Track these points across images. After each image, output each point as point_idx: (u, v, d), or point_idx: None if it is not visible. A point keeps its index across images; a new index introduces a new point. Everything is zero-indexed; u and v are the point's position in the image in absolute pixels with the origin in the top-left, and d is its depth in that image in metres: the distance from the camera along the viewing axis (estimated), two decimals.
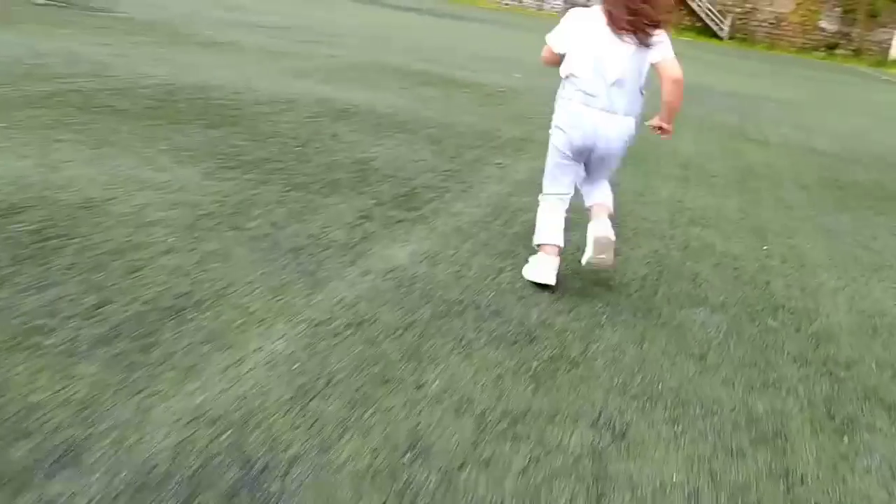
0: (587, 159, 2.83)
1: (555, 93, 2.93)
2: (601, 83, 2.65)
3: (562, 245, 2.85)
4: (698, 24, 40.11)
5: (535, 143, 5.47)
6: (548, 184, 2.93)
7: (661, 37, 2.67)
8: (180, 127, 4.30)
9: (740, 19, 40.20)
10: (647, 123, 2.82)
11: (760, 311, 2.94)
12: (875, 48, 38.31)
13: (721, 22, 39.61)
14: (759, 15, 40.22)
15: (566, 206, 2.91)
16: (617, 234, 2.91)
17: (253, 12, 12.58)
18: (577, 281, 2.97)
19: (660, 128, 2.82)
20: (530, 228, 3.05)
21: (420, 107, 6.18)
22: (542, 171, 2.96)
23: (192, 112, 4.74)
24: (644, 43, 2.63)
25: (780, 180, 5.45)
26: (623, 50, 2.64)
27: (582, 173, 2.92)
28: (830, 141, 7.88)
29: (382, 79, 7.37)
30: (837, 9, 38.93)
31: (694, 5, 39.81)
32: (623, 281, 3.04)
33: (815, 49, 39.16)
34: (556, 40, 2.78)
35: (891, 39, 37.55)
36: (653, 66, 2.67)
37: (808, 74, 20.85)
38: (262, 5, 14.30)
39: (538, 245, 2.87)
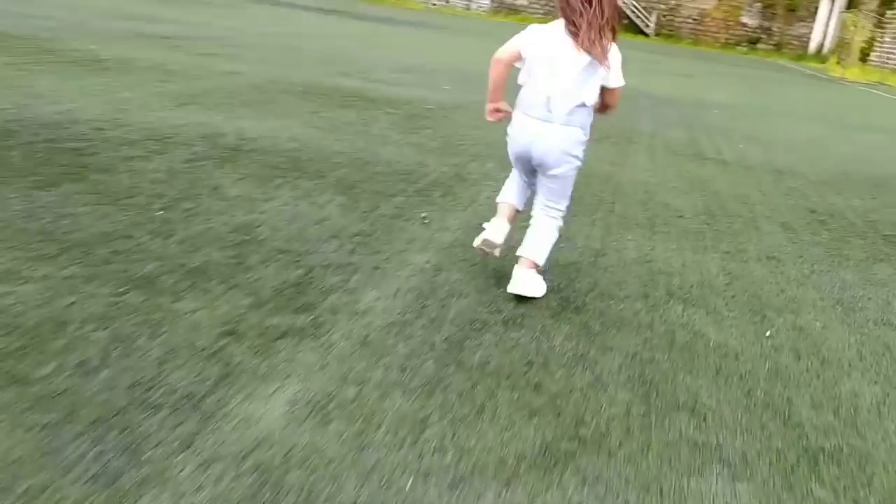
0: (532, 170, 2.87)
1: (484, 109, 2.99)
2: (542, 93, 2.66)
3: (517, 208, 2.99)
4: (625, 21, 39.86)
5: (467, 182, 4.50)
6: (503, 189, 3.06)
7: (614, 59, 2.67)
8: None
9: (665, 16, 40.13)
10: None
11: (797, 466, 2.03)
12: (795, 42, 38.69)
13: (647, 18, 39.46)
14: (683, 11, 40.21)
15: (524, 187, 2.99)
16: (582, 326, 2.66)
17: (151, 21, 11.32)
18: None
19: None
20: (467, 322, 2.49)
21: (331, 139, 5.15)
22: (478, 225, 2.99)
23: (27, 163, 3.62)
24: (598, 59, 2.60)
25: (755, 217, 4.60)
26: (575, 62, 2.62)
27: (529, 188, 2.99)
28: (790, 156, 7.14)
29: (288, 102, 6.31)
30: (758, 4, 39.19)
31: (620, 2, 39.52)
32: (600, 429, 2.09)
33: (738, 44, 39.36)
34: (524, 43, 2.70)
35: (810, 33, 37.96)
36: (602, 87, 2.69)
37: (740, 73, 20.48)
38: (164, 12, 13.02)
39: (497, 203, 3.02)
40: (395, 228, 3.48)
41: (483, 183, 4.51)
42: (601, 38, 2.56)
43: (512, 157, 2.89)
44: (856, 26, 30.10)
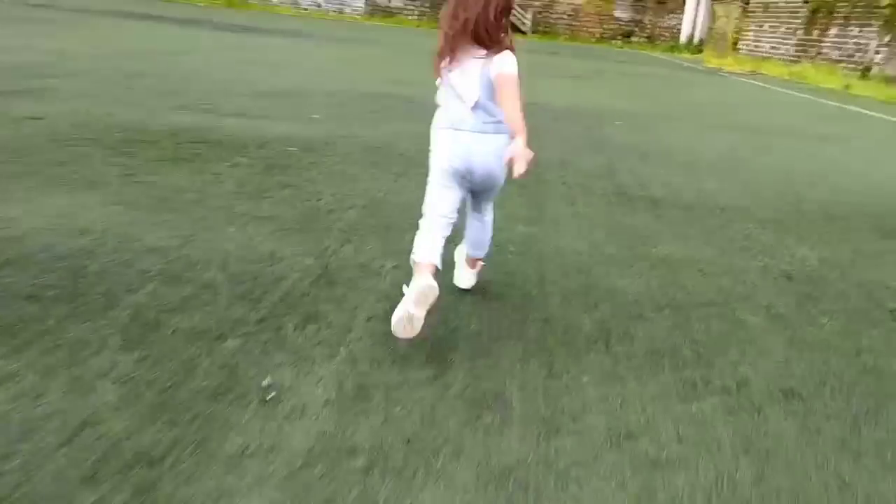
0: (470, 184, 2.76)
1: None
2: (463, 106, 2.63)
3: (437, 264, 2.67)
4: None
5: (338, 286, 3.08)
6: (428, 205, 2.79)
7: (501, 52, 2.61)
8: None
9: (540, 13, 39.73)
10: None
11: None
12: (667, 34, 39.06)
13: (523, 16, 38.92)
14: (557, 7, 39.93)
15: (447, 231, 2.76)
16: None
17: None
18: None
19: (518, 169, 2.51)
20: None
21: (143, 225, 3.59)
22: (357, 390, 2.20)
23: None
24: (486, 55, 2.59)
25: (728, 301, 3.41)
26: (475, 71, 2.59)
27: (465, 198, 2.88)
28: (722, 182, 6.08)
29: (95, 160, 4.69)
30: None
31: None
32: None
33: (613, 38, 39.41)
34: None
35: (680, 25, 38.37)
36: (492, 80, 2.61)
37: (625, 71, 19.80)
38: None
39: (414, 262, 2.70)
40: (215, 433, 2.03)
41: (362, 285, 3.12)
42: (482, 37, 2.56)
43: (446, 173, 2.73)
44: (728, 17, 30.34)
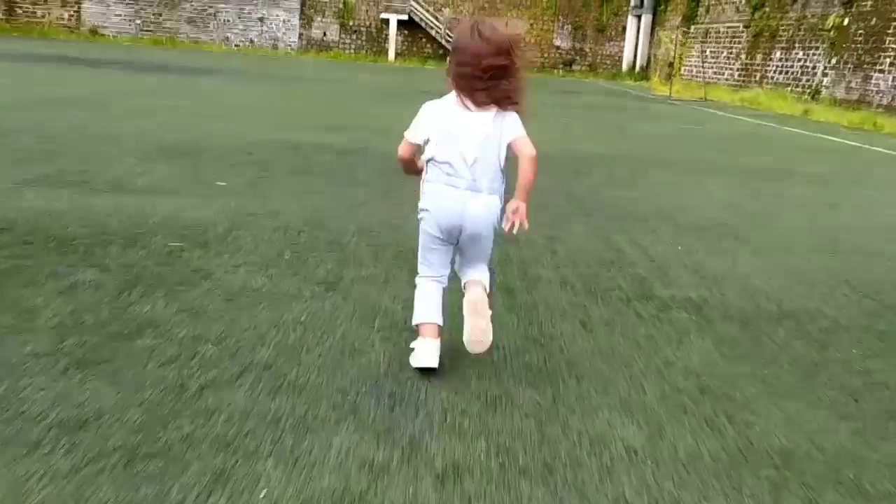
0: (459, 241, 2.63)
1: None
2: (462, 163, 2.52)
3: (440, 323, 2.65)
4: (440, 52, 37.99)
5: None
6: (421, 267, 2.73)
7: (513, 114, 2.58)
8: None
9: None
10: (502, 227, 2.57)
11: None
12: (608, 61, 38.33)
13: None
14: None
15: (443, 285, 2.72)
16: None
17: None
18: None
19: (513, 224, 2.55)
20: None
21: None
22: None
23: None
24: (500, 112, 2.54)
25: None
26: (478, 129, 2.52)
27: (455, 256, 2.74)
28: (765, 266, 4.56)
29: None
30: (568, 26, 38.56)
31: (433, 32, 37.63)
32: None
33: (555, 67, 38.52)
34: (412, 133, 2.61)
35: (621, 52, 37.68)
36: (509, 145, 2.57)
37: (575, 102, 18.47)
38: None
39: (416, 325, 2.67)
40: None
41: None
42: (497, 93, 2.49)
43: (436, 232, 2.62)
44: (674, 43, 29.55)
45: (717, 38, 30.93)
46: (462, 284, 2.73)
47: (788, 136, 13.77)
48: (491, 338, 2.58)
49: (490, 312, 2.61)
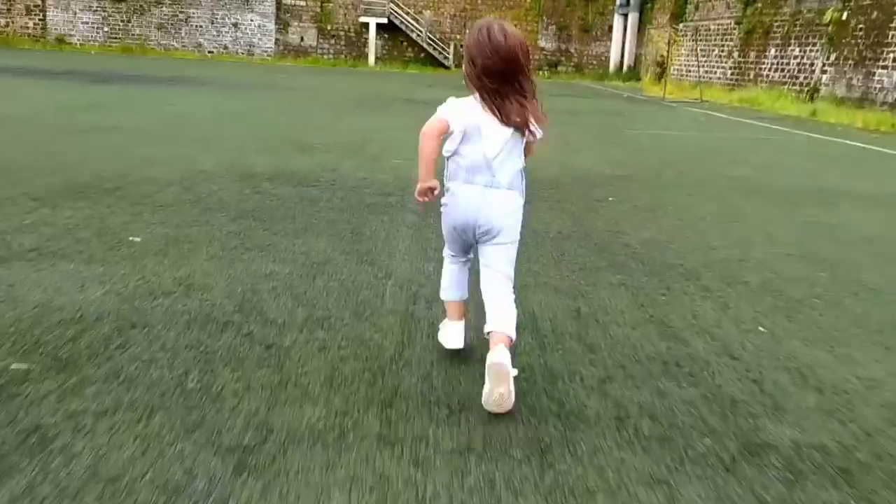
0: (477, 241, 2.57)
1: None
2: (482, 160, 2.47)
3: (465, 298, 2.78)
4: (422, 56, 36.66)
5: None
6: (445, 248, 2.78)
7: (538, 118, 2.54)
8: None
9: (461, 46, 37.25)
10: None
11: None
12: (595, 62, 37.11)
13: (444, 50, 36.41)
14: None
15: (467, 266, 2.77)
16: None
17: None
18: None
19: None
20: None
21: None
22: None
23: None
24: (522, 129, 2.49)
25: None
26: (504, 131, 2.46)
27: (466, 268, 2.78)
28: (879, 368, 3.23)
29: None
30: (552, 26, 37.32)
31: (414, 36, 36.27)
32: None
33: (540, 68, 37.22)
34: (450, 115, 2.46)
35: (607, 52, 36.46)
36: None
37: (568, 107, 17.13)
38: None
39: (444, 301, 2.81)
40: None
41: None
42: (523, 107, 2.44)
43: (451, 230, 2.64)
44: (667, 42, 28.33)
45: (707, 35, 29.74)
46: (485, 332, 2.50)
47: (807, 142, 12.50)
48: (512, 401, 2.37)
49: (514, 373, 2.38)
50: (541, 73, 36.69)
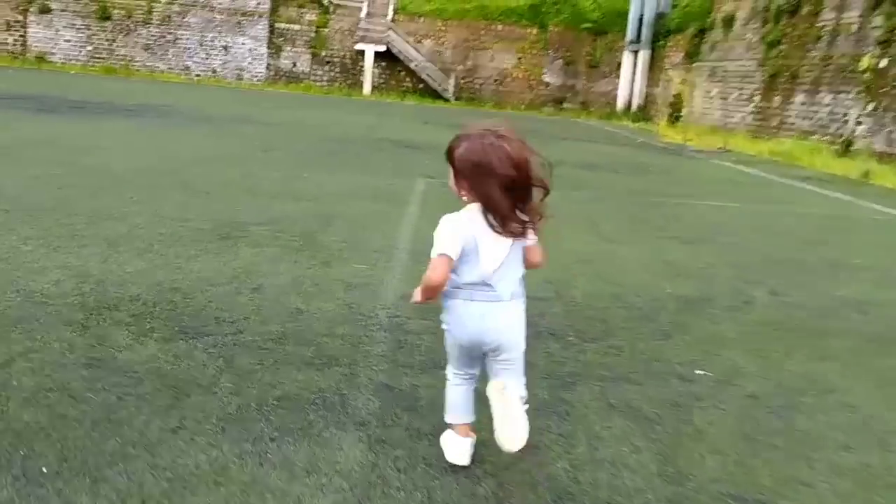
0: (485, 355, 2.43)
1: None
2: (479, 279, 2.32)
3: (473, 421, 2.55)
4: (420, 86, 34.33)
5: None
6: (450, 366, 2.56)
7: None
8: None
9: (464, 78, 35.01)
10: None
11: None
12: (602, 100, 34.82)
13: (444, 82, 34.08)
14: (482, 72, 35.30)
15: (474, 384, 2.54)
16: None
17: None
18: None
19: None
20: None
21: None
22: None
23: None
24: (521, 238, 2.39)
25: None
26: (504, 245, 2.33)
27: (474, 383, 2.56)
28: None
29: None
30: (559, 61, 35.09)
31: (413, 65, 33.96)
32: None
33: (544, 104, 34.97)
34: (447, 246, 2.27)
35: (615, 90, 34.18)
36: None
37: (586, 156, 14.61)
38: None
39: (450, 423, 2.56)
40: None
41: None
42: (524, 215, 2.31)
43: (458, 348, 2.47)
44: (687, 83, 26.02)
45: (724, 77, 27.45)
46: (494, 385, 2.38)
47: None
48: (526, 435, 2.34)
49: (525, 408, 2.37)
50: (545, 109, 34.41)
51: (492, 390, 2.36)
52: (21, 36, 34.42)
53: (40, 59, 34.08)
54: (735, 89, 26.75)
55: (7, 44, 34.37)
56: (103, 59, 34.44)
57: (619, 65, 33.86)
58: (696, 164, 15.82)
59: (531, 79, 35.08)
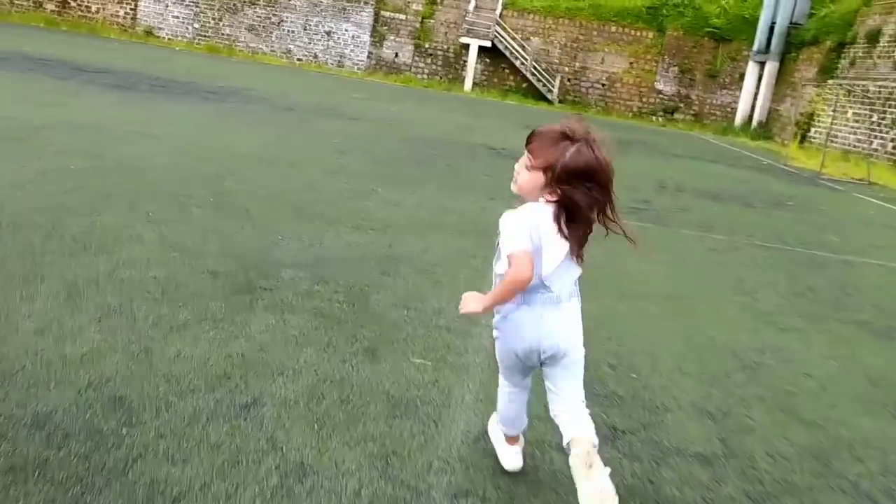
0: (542, 363, 2.28)
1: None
2: (538, 279, 2.18)
3: (525, 430, 2.54)
4: (524, 86, 32.41)
5: None
6: (502, 378, 2.46)
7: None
8: None
9: (569, 80, 32.87)
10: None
11: None
12: (718, 112, 32.00)
13: (550, 83, 32.06)
14: (590, 75, 33.04)
15: (527, 392, 2.46)
16: None
17: None
18: None
19: None
20: None
21: None
22: None
23: None
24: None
25: None
26: (564, 243, 2.20)
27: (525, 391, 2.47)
28: None
29: None
30: (674, 68, 32.47)
31: (517, 63, 32.08)
32: None
33: (653, 113, 32.44)
34: (523, 240, 2.13)
35: (735, 103, 31.32)
36: None
37: (707, 185, 12.43)
38: None
39: (504, 432, 2.52)
40: None
41: None
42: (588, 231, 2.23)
43: (510, 357, 2.31)
44: (832, 103, 23.15)
45: (864, 98, 24.38)
46: (564, 443, 2.25)
47: None
48: (615, 496, 2.10)
49: (607, 469, 2.12)
50: (654, 118, 31.91)
51: (577, 462, 2.13)
52: (132, 9, 34.42)
53: (148, 33, 33.98)
54: (874, 112, 23.68)
55: (118, 16, 34.43)
56: (209, 37, 34.04)
57: (741, 76, 31.00)
58: (839, 200, 13.38)
59: (642, 85, 32.59)
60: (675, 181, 12.00)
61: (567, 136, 2.12)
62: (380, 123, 14.14)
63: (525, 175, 2.19)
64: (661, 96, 32.59)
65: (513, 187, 2.25)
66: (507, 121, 19.34)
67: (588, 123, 2.19)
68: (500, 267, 2.23)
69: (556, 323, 2.21)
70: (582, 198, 2.12)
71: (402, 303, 4.10)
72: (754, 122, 29.75)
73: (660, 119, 32.02)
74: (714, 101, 32.07)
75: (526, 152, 2.18)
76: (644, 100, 32.70)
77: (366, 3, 33.48)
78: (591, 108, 31.84)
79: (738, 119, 30.48)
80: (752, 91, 30.15)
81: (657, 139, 21.68)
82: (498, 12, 32.55)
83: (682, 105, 32.47)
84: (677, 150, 19.05)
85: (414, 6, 33.54)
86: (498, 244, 2.21)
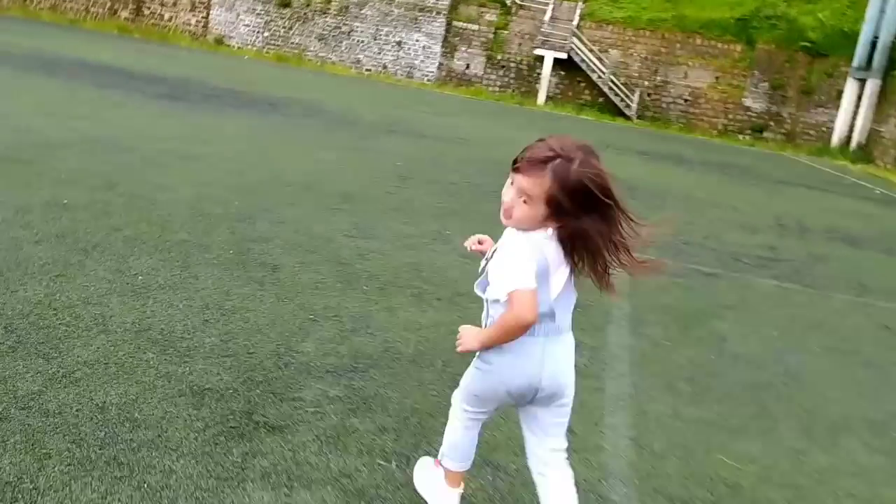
0: (532, 402, 2.02)
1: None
2: (547, 308, 1.95)
3: (469, 467, 2.24)
4: (601, 100, 30.61)
5: None
6: (466, 403, 2.12)
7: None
8: None
9: (650, 95, 30.89)
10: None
11: None
12: (812, 132, 29.50)
13: (628, 98, 30.16)
14: (672, 90, 30.98)
15: (482, 426, 2.20)
16: None
17: None
18: None
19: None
20: None
21: None
22: None
23: None
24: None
25: None
26: (564, 271, 2.02)
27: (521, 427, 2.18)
28: None
29: None
30: (764, 84, 30.15)
31: (594, 77, 30.31)
32: None
33: (740, 132, 30.17)
34: (529, 277, 1.90)
35: (832, 122, 28.80)
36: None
37: (827, 219, 10.53)
38: None
39: (445, 467, 2.20)
40: None
41: None
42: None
43: (495, 394, 2.03)
44: None
45: None
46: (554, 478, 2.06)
47: None
48: None
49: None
50: (741, 137, 29.65)
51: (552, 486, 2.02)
52: (204, 17, 34.05)
53: (219, 41, 33.53)
54: None
55: (190, 24, 34.12)
56: (278, 46, 33.39)
57: (838, 93, 28.50)
58: None
59: (728, 101, 30.37)
60: (794, 217, 10.15)
61: (559, 156, 1.89)
62: (449, 142, 12.70)
63: (523, 209, 1.91)
64: (749, 113, 30.31)
65: (504, 221, 1.96)
66: (588, 139, 17.65)
67: (569, 136, 1.96)
68: (490, 292, 1.96)
69: (557, 359, 1.98)
70: (592, 225, 1.89)
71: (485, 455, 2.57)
72: (853, 144, 27.25)
73: (747, 137, 29.75)
74: (808, 120, 29.61)
75: (514, 180, 1.93)
76: (730, 116, 30.47)
77: (438, 12, 32.26)
78: (673, 124, 29.82)
79: (835, 139, 28.01)
80: (851, 110, 27.64)
81: (750, 161, 19.63)
82: (575, 23, 30.86)
83: (772, 123, 30.11)
84: (779, 174, 17.04)
85: (488, 16, 32.15)
86: (485, 266, 2.01)
